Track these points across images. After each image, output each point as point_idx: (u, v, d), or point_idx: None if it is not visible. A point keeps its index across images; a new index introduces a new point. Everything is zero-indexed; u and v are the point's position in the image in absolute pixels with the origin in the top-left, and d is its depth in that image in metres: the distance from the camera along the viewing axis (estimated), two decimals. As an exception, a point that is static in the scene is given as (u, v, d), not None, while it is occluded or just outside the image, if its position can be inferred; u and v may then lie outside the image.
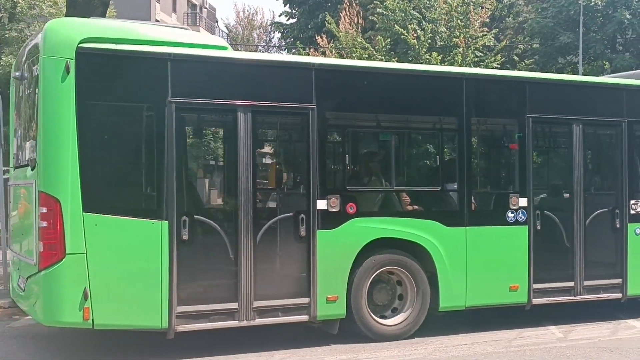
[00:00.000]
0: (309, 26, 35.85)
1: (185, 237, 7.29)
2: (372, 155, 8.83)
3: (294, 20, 39.23)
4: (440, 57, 24.57)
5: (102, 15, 11.93)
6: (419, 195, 8.68)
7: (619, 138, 9.62)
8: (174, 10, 53.59)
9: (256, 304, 7.60)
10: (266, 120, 7.98)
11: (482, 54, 27.43)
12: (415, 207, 8.53)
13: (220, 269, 7.55)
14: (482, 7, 27.34)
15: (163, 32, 7.76)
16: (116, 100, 7.29)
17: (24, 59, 7.97)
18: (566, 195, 9.43)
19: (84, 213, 6.93)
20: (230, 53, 8.13)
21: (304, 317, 7.87)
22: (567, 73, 27.46)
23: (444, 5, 26.38)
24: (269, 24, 57.37)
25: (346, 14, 28.49)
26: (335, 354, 7.71)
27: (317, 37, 29.90)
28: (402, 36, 24.91)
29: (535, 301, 9.02)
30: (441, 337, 8.48)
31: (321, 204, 7.89)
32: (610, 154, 9.88)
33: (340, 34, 27.30)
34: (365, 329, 8.14)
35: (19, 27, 25.26)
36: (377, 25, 27.78)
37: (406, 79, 8.77)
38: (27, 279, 7.50)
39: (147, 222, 7.20)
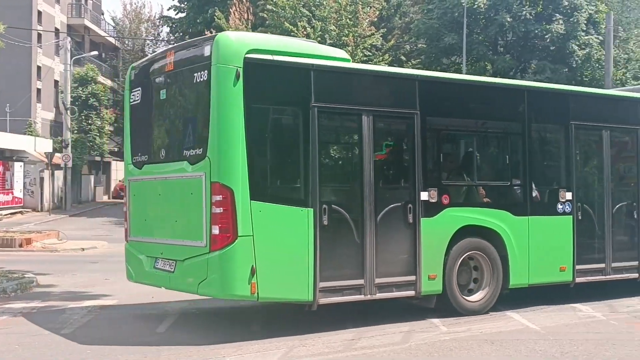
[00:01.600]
0: (198, 21, 35.67)
1: (325, 222, 8.48)
2: (460, 154, 10.29)
3: (183, 14, 38.94)
4: None
5: None
6: (495, 189, 10.22)
7: (636, 143, 11.47)
8: (57, 1, 52.20)
9: (377, 280, 8.87)
10: (382, 123, 9.24)
11: (370, 54, 28.65)
12: (492, 199, 10.04)
13: (350, 250, 8.77)
14: (371, 7, 28.28)
15: (304, 46, 8.98)
16: (274, 104, 8.48)
17: (170, 66, 8.90)
18: (598, 190, 11.18)
19: (251, 201, 8.02)
20: (355, 65, 9.47)
21: (411, 293, 9.20)
22: (451, 73, 28.92)
23: (333, 4, 27.11)
24: (157, 17, 56.56)
25: (236, 10, 28.59)
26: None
27: (206, 32, 29.31)
28: (292, 33, 25.34)
29: (578, 280, 10.69)
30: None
31: (424, 196, 9.26)
32: (628, 157, 11.67)
33: (230, 29, 27.17)
34: (455, 304, 9.54)
35: None
36: (267, 22, 28.15)
37: (485, 90, 10.34)
38: (180, 261, 8.49)
39: (298, 209, 8.35)
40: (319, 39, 26.03)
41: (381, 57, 28.41)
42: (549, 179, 10.91)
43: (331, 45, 26.22)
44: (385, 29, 31.95)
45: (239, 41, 8.29)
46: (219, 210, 7.95)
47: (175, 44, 9.61)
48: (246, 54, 8.11)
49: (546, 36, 31.05)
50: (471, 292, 9.87)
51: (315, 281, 8.39)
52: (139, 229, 9.49)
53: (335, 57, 9.12)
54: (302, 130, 8.49)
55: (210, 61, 8.11)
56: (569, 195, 10.60)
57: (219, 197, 7.95)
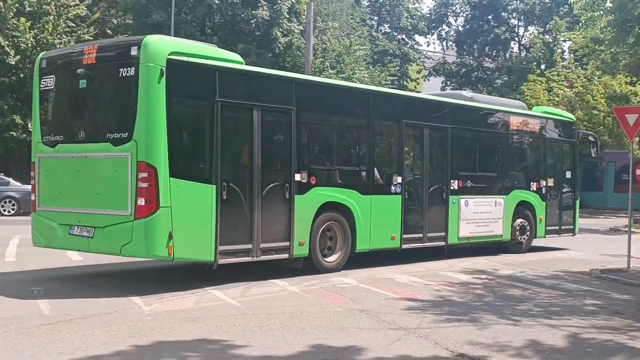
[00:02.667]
0: None
1: (224, 197, 10.34)
2: (324, 143, 12.52)
3: None
4: (29, 24, 25.69)
5: None
6: (348, 173, 12.58)
7: (446, 139, 14.43)
8: None
9: (262, 245, 10.89)
10: (268, 116, 11.17)
11: (74, 25, 28.67)
12: (346, 180, 12.41)
13: (243, 220, 10.69)
14: (73, -23, 28.15)
15: (210, 50, 10.70)
16: (189, 98, 10.18)
17: (91, 60, 10.19)
18: (417, 175, 14.01)
19: (170, 178, 9.67)
20: (248, 67, 11.35)
21: (286, 255, 11.32)
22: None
23: (33, -29, 26.72)
24: None
25: None
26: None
27: None
28: None
29: (404, 246, 13.43)
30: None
31: (297, 177, 11.41)
32: (440, 151, 14.61)
33: None
34: (317, 265, 11.81)
35: None
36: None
37: (343, 92, 12.72)
38: (100, 227, 9.93)
39: (204, 185, 10.13)
40: (17, 5, 25.51)
41: (86, 30, 27.94)
42: (386, 166, 13.52)
43: (31, 13, 26.67)
44: (91, 1, 31.52)
45: (162, 44, 9.87)
46: (144, 185, 9.51)
47: (95, 41, 10.65)
48: (168, 55, 9.73)
49: (252, 21, 32.37)
50: (327, 255, 12.17)
51: (216, 245, 10.23)
52: (50, 201, 10.68)
53: (233, 60, 10.95)
54: (209, 120, 10.27)
55: (138, 60, 9.60)
56: (399, 179, 13.28)
57: (144, 174, 9.51)
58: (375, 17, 55.75)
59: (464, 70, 55.97)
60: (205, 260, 10.29)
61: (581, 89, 38.95)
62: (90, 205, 10.15)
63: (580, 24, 15.98)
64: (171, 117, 9.73)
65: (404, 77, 52.01)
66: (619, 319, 8.94)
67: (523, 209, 16.39)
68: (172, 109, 9.74)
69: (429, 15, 57.62)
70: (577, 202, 18.13)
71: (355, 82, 31.06)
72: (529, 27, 56.61)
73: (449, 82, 56.02)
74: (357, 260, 12.78)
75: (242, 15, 32.25)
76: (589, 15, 13.41)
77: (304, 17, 31.97)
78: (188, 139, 10.32)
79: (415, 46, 56.76)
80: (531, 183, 16.68)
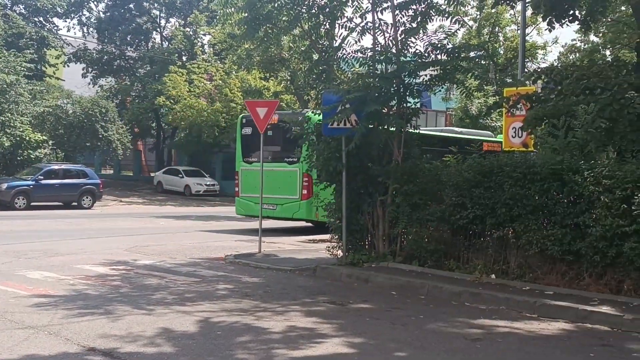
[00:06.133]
0: None
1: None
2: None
3: None
4: None
5: None
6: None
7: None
8: None
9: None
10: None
11: None
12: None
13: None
14: None
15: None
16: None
17: (274, 121, 20.59)
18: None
19: (316, 180, 19.93)
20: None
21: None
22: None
23: None
24: None
25: None
26: None
27: None
28: None
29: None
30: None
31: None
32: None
33: None
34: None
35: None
36: None
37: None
38: (280, 204, 20.63)
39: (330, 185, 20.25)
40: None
41: None
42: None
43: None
44: None
45: (314, 116, 20.06)
46: (306, 184, 19.98)
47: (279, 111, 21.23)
48: (316, 122, 19.82)
49: None
50: None
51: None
52: (248, 191, 21.66)
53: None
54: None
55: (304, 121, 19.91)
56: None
57: (306, 179, 19.99)
58: (9, -4, 49.21)
59: (105, 58, 53.00)
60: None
61: (220, 82, 40.33)
62: (274, 193, 20.73)
63: (217, 18, 17.74)
64: (318, 151, 19.91)
65: (42, 62, 47.69)
66: (248, 300, 9.34)
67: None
68: (317, 148, 19.86)
69: None
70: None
71: None
72: (171, 19, 55.55)
73: (90, 70, 53.23)
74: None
75: None
76: (223, 11, 13.99)
77: None
78: (324, 164, 20.33)
79: (55, 30, 52.76)
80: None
